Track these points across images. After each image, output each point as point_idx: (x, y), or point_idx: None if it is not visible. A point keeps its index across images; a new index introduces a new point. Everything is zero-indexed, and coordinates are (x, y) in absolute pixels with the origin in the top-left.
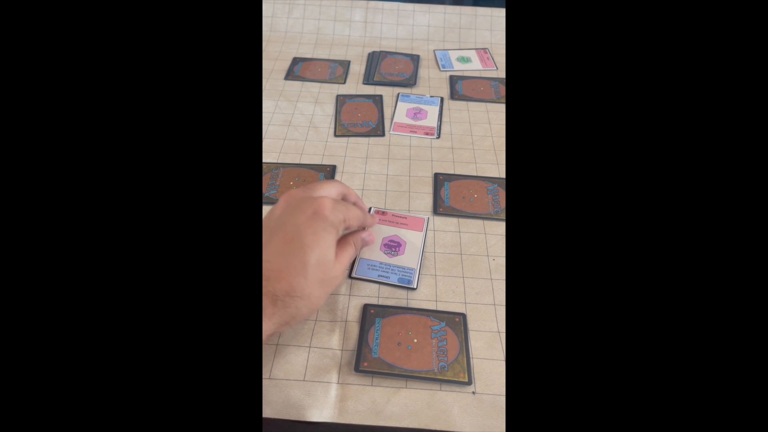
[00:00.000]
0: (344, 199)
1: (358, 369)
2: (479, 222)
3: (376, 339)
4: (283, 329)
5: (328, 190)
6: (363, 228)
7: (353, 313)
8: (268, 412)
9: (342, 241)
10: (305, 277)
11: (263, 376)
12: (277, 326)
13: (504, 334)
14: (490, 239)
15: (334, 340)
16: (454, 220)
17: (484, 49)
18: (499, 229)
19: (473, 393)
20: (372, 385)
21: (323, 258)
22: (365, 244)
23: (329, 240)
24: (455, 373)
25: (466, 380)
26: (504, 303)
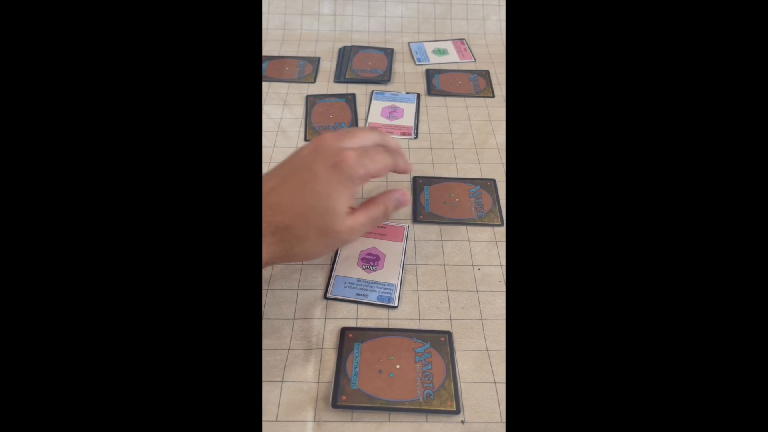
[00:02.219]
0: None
1: (335, 404)
2: (462, 228)
3: (355, 367)
4: (277, 262)
5: (361, 140)
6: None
7: (330, 339)
8: None
9: (371, 200)
10: (305, 220)
11: None
12: (272, 257)
13: (493, 353)
14: (474, 247)
15: (309, 371)
16: (436, 227)
17: (461, 39)
18: (483, 235)
19: (462, 422)
20: (352, 421)
21: (330, 209)
22: (399, 203)
23: (342, 194)
24: (442, 401)
25: (454, 409)
26: (492, 317)
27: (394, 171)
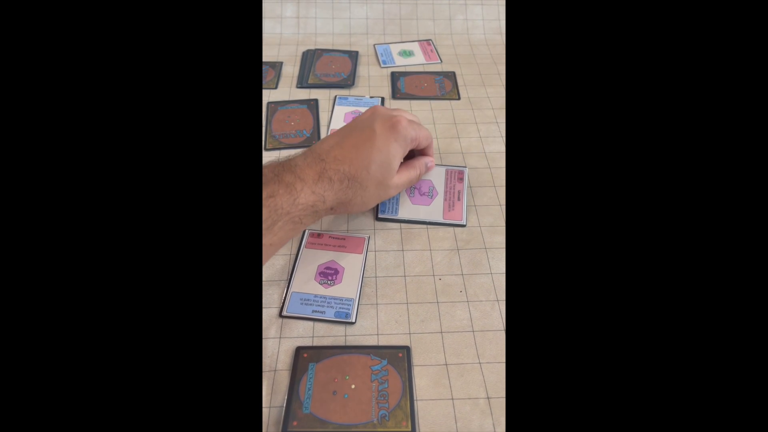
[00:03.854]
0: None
1: (286, 431)
2: (423, 235)
3: (309, 390)
4: (339, 210)
5: (409, 114)
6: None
7: (284, 359)
8: None
9: (408, 163)
10: (368, 171)
11: None
12: (337, 203)
13: (451, 366)
14: (435, 256)
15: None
16: (397, 236)
17: (427, 40)
18: (444, 243)
19: None
20: None
21: (387, 162)
22: (428, 168)
23: (398, 151)
24: (397, 421)
25: (409, 429)
26: (452, 329)
27: (427, 149)
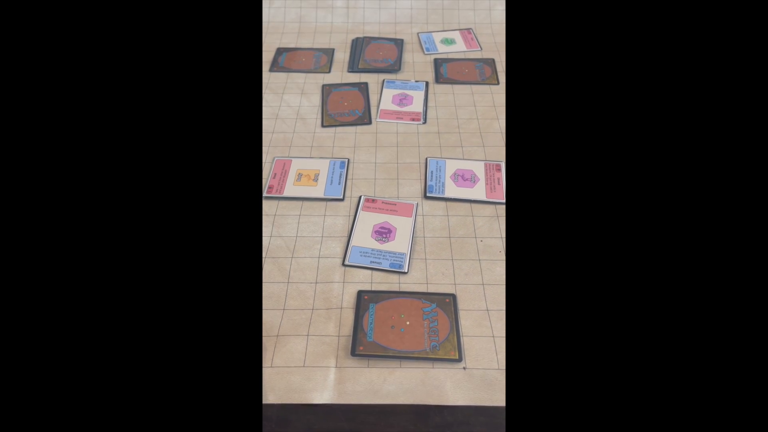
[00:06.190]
0: None
1: (354, 353)
2: (467, 205)
3: (371, 324)
4: None
5: None
6: None
7: (348, 300)
8: (271, 398)
9: None
10: None
11: (265, 365)
12: None
13: (492, 312)
14: (477, 221)
15: (331, 328)
16: (442, 204)
17: (467, 29)
18: (485, 210)
19: (464, 368)
20: (368, 367)
21: None
22: None
23: None
24: (446, 351)
25: (457, 357)
26: (492, 282)
27: None
